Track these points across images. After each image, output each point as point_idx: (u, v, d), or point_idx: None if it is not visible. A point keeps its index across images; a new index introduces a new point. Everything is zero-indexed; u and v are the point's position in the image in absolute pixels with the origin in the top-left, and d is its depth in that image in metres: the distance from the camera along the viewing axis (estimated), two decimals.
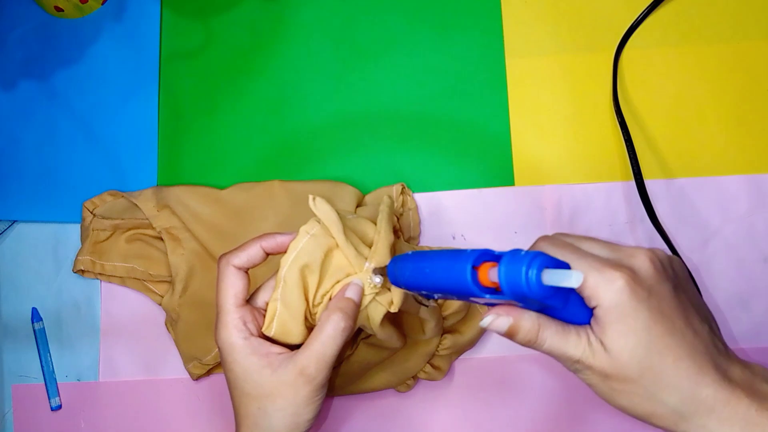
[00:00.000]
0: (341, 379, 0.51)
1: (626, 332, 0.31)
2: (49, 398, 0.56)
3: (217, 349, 0.53)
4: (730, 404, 0.31)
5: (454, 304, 0.49)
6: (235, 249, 0.42)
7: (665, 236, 0.51)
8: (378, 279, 0.40)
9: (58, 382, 0.56)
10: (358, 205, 0.53)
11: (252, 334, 0.40)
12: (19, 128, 0.60)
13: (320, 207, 0.40)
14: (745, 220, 0.53)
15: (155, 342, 0.56)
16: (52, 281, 0.57)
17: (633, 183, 0.54)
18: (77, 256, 0.55)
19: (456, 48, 0.57)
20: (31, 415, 0.56)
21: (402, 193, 0.54)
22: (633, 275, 0.32)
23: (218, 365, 0.54)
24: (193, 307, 0.53)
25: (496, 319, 0.33)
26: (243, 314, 0.40)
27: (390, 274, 0.38)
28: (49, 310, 0.57)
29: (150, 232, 0.55)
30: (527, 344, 0.33)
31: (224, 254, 0.42)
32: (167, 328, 0.55)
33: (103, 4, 0.61)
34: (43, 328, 0.57)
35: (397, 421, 0.53)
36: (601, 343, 0.32)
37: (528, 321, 0.33)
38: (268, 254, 0.42)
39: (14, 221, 0.59)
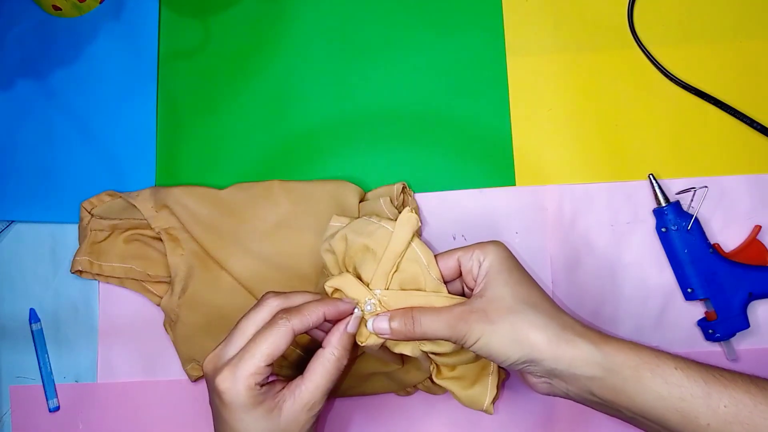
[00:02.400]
0: (343, 382, 0.51)
1: (505, 280, 0.40)
2: (47, 399, 0.56)
3: None
4: (590, 330, 0.39)
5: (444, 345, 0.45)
6: (297, 310, 0.40)
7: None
8: (369, 307, 0.41)
9: (56, 383, 0.56)
10: (361, 201, 0.53)
11: (261, 386, 0.39)
12: (16, 128, 0.59)
13: (405, 217, 0.42)
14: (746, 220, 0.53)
15: (154, 343, 0.55)
16: (50, 282, 0.57)
17: (633, 183, 0.53)
18: (75, 256, 0.55)
19: (457, 47, 0.57)
20: (29, 416, 0.56)
21: (402, 192, 0.53)
22: (506, 247, 0.42)
23: None
24: (192, 308, 0.53)
25: (375, 320, 0.41)
26: (264, 372, 0.39)
27: None
28: (47, 311, 0.57)
29: (148, 232, 0.55)
30: (406, 331, 0.40)
31: (285, 312, 0.40)
32: (166, 330, 0.55)
33: (101, 3, 0.61)
34: (41, 328, 0.57)
35: (397, 421, 0.53)
36: (481, 297, 0.40)
37: (399, 310, 0.41)
38: (325, 321, 0.41)
39: (12, 221, 0.58)
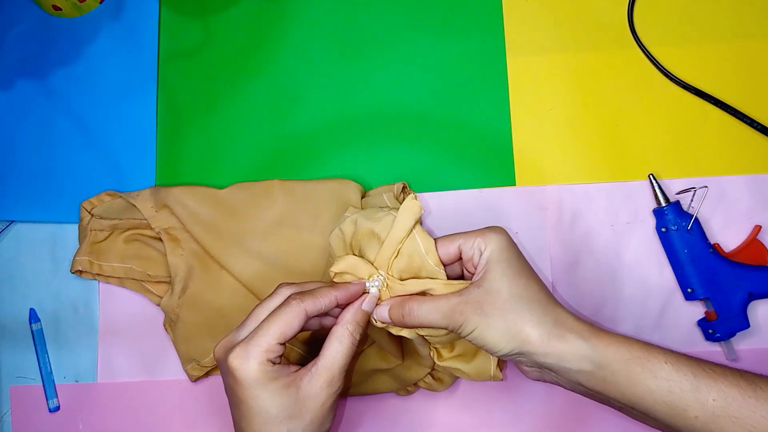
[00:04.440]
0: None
1: (503, 271, 0.40)
2: (47, 399, 0.56)
3: None
4: (582, 324, 0.40)
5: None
6: (310, 293, 0.41)
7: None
8: (376, 283, 0.42)
9: (56, 383, 0.56)
10: (363, 197, 0.53)
11: (273, 363, 0.40)
12: (16, 127, 0.59)
13: (409, 203, 0.43)
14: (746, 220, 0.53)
15: (154, 343, 0.55)
16: (50, 282, 0.57)
17: (633, 183, 0.53)
18: (75, 256, 0.55)
19: (457, 47, 0.57)
20: (29, 416, 0.56)
21: (403, 192, 0.53)
22: (508, 235, 0.42)
23: (217, 367, 0.54)
24: (192, 308, 0.53)
25: (376, 309, 0.42)
26: (277, 350, 0.40)
27: None
28: (47, 311, 0.57)
29: (148, 232, 0.55)
30: (404, 320, 0.41)
31: (298, 294, 0.41)
32: (166, 329, 0.55)
33: (101, 2, 0.61)
34: (41, 328, 0.57)
35: (398, 421, 0.53)
36: (479, 287, 0.40)
37: (397, 300, 0.41)
38: (337, 305, 0.42)
39: (12, 221, 0.58)
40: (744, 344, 0.51)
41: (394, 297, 0.42)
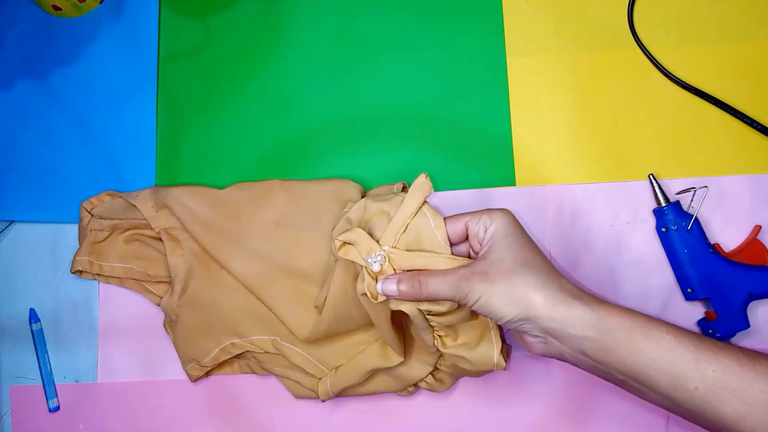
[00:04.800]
0: (344, 379, 0.51)
1: (509, 244, 0.41)
2: (47, 399, 0.56)
3: (215, 351, 0.53)
4: (587, 294, 0.40)
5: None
6: None
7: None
8: (376, 266, 0.43)
9: (56, 383, 0.56)
10: (363, 197, 0.53)
11: None
12: (16, 128, 0.59)
13: (420, 181, 0.44)
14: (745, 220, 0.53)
15: (154, 343, 0.55)
16: (50, 282, 0.57)
17: (633, 183, 0.53)
18: (75, 256, 0.55)
19: (457, 47, 0.57)
20: (29, 416, 0.56)
21: (403, 191, 0.53)
22: (513, 215, 0.43)
23: (217, 367, 0.54)
24: (192, 308, 0.53)
25: (384, 282, 0.42)
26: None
27: None
28: (47, 311, 0.57)
29: (148, 232, 0.55)
30: (414, 293, 0.42)
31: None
32: (166, 329, 0.55)
33: (101, 3, 0.61)
34: (41, 328, 0.57)
35: (398, 422, 0.53)
36: (484, 259, 0.41)
37: (407, 274, 0.42)
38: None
39: (12, 221, 0.58)
40: (744, 344, 0.51)
41: (401, 272, 0.43)
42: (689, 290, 0.51)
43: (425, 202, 0.44)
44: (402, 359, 0.49)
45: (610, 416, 0.51)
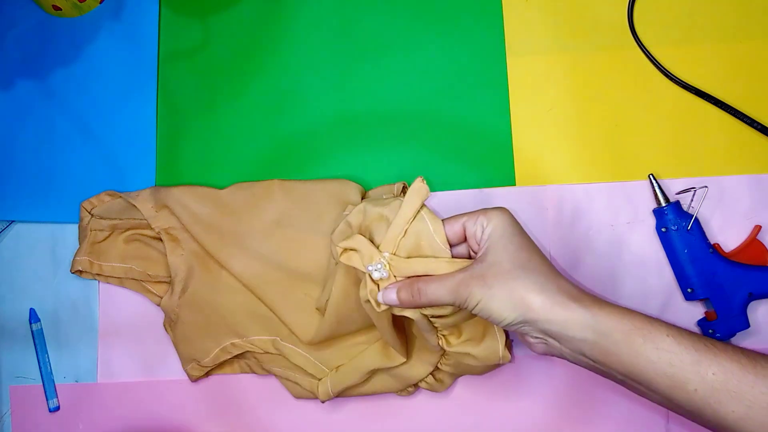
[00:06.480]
0: (345, 379, 0.51)
1: (505, 246, 0.41)
2: (47, 399, 0.56)
3: (215, 351, 0.53)
4: (586, 295, 0.40)
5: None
6: None
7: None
8: (377, 274, 0.43)
9: (56, 383, 0.56)
10: (362, 198, 0.53)
11: None
12: (16, 128, 0.59)
13: (417, 186, 0.44)
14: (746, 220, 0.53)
15: (154, 343, 0.55)
16: (50, 282, 0.57)
17: (633, 183, 0.53)
18: (75, 256, 0.55)
19: (457, 47, 0.57)
20: (29, 416, 0.56)
21: (403, 191, 0.53)
22: (511, 214, 0.43)
23: (217, 367, 0.54)
24: (192, 308, 0.53)
25: (384, 292, 0.42)
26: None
27: None
28: (47, 311, 0.57)
29: (148, 232, 0.55)
30: (413, 301, 0.42)
31: None
32: (166, 329, 0.55)
33: (101, 2, 0.61)
34: (41, 328, 0.57)
35: (398, 422, 0.53)
36: (482, 262, 0.41)
37: (406, 282, 0.42)
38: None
39: (12, 221, 0.58)
40: (744, 344, 0.51)
41: (400, 280, 0.43)
42: (689, 290, 0.51)
43: (423, 206, 0.44)
44: (404, 359, 0.49)
45: (611, 415, 0.51)
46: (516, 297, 0.39)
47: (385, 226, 0.44)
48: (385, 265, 0.43)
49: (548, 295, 0.39)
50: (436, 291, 0.41)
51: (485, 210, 0.43)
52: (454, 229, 0.43)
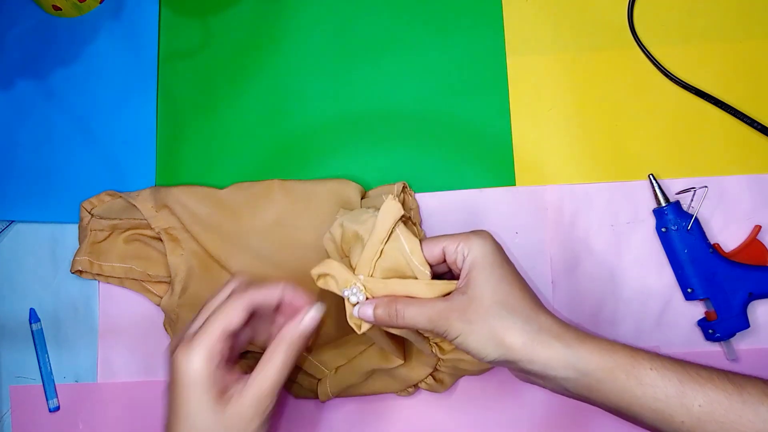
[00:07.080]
0: (344, 380, 0.51)
1: (486, 279, 0.40)
2: (47, 399, 0.56)
3: None
4: (567, 331, 0.39)
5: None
6: (255, 284, 0.42)
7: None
8: (354, 298, 0.41)
9: (56, 383, 0.56)
10: (362, 198, 0.53)
11: (217, 365, 0.39)
12: (16, 128, 0.59)
13: (388, 205, 0.42)
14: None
15: (154, 343, 0.55)
16: (50, 282, 0.57)
17: (633, 183, 0.53)
18: (75, 256, 0.55)
19: (457, 46, 0.57)
20: (29, 416, 0.56)
21: (403, 192, 0.53)
22: (493, 239, 0.41)
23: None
24: (193, 308, 0.53)
25: (361, 307, 0.41)
26: (223, 345, 0.40)
27: None
28: (47, 311, 0.57)
29: (148, 232, 0.55)
30: (390, 321, 0.40)
31: (243, 285, 0.41)
32: (166, 329, 0.55)
33: (101, 2, 0.61)
34: (41, 328, 0.57)
35: (398, 422, 0.53)
36: (463, 294, 0.40)
37: (384, 300, 0.41)
38: (278, 306, 0.42)
39: (12, 221, 0.58)
40: (744, 344, 0.51)
41: (379, 297, 0.41)
42: (689, 290, 0.51)
43: (401, 222, 0.42)
44: (402, 362, 0.49)
45: (609, 416, 0.51)
46: (497, 337, 0.39)
47: (360, 247, 0.43)
48: (360, 289, 0.42)
49: (529, 335, 0.39)
50: (416, 317, 0.40)
51: (466, 235, 0.41)
52: (433, 252, 0.42)
